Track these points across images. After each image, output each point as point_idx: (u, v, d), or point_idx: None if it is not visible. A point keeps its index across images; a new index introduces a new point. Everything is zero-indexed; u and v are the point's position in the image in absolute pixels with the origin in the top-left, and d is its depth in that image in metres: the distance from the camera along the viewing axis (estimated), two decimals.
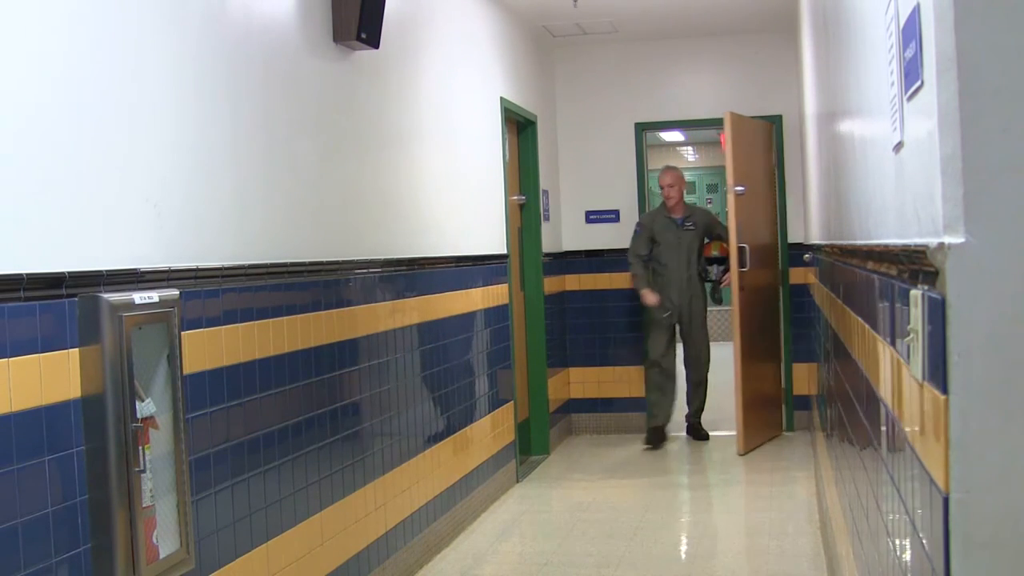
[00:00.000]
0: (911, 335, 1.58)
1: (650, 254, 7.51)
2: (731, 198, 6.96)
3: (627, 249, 7.57)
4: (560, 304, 7.99)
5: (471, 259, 5.77)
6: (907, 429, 1.73)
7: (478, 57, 6.30)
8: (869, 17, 2.30)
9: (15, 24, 2.41)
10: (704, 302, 7.53)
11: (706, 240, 7.54)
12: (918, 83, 1.53)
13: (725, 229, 7.36)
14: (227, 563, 3.19)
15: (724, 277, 7.36)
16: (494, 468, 6.05)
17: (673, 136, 14.08)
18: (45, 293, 2.44)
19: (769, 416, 7.61)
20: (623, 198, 8.12)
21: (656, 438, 7.53)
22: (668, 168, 7.57)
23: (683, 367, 7.63)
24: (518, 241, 7.27)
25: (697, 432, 7.72)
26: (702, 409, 7.70)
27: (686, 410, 7.76)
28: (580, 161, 8.17)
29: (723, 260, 7.33)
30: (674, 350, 7.57)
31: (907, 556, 1.79)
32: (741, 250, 7.07)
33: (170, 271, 2.92)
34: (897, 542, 1.94)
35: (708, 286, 7.58)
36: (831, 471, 4.37)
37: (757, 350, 7.34)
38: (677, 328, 7.57)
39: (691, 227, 7.47)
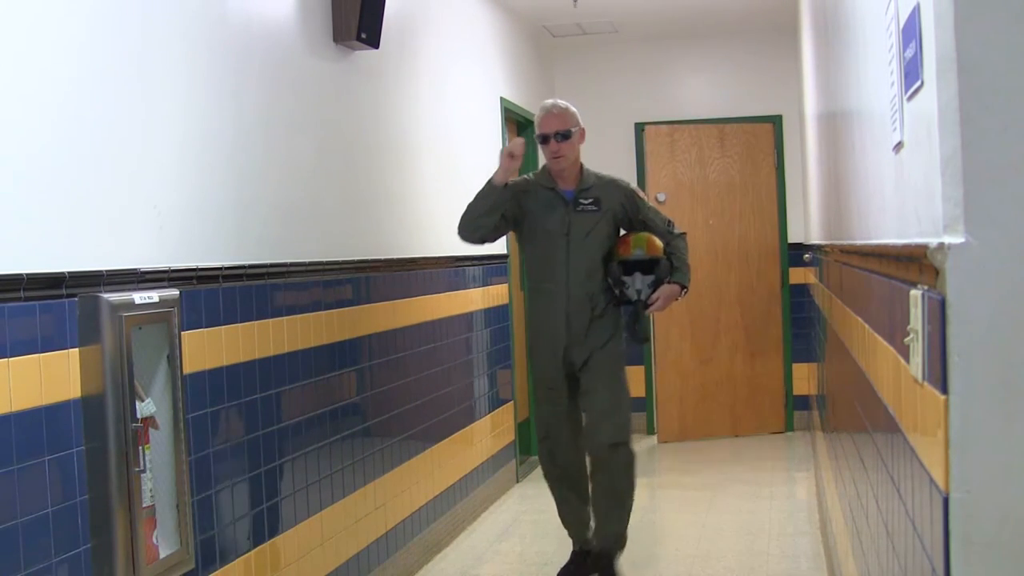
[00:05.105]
0: (911, 335, 1.58)
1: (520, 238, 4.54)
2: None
3: None
4: None
5: (471, 259, 5.76)
6: (907, 429, 1.73)
7: (478, 57, 6.30)
8: (869, 17, 2.30)
9: (28, 34, 2.41)
10: (614, 330, 4.38)
11: (622, 232, 4.49)
12: (918, 83, 1.53)
13: (653, 210, 4.51)
14: (227, 563, 3.19)
15: (653, 296, 4.34)
16: (494, 468, 6.05)
17: None
18: (45, 293, 2.44)
19: (746, 414, 7.71)
20: None
21: (575, 569, 4.49)
22: (553, 105, 4.42)
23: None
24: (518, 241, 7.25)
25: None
26: (621, 531, 4.42)
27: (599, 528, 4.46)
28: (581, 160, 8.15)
29: (652, 264, 4.34)
30: (578, 418, 4.50)
31: (907, 556, 1.79)
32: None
33: (170, 271, 2.92)
34: (897, 542, 1.94)
35: (625, 310, 4.46)
36: (831, 471, 4.37)
37: (707, 345, 7.69)
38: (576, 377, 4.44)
39: (591, 207, 4.37)
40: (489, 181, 4.26)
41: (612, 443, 4.30)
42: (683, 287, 4.42)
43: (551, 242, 4.36)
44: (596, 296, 4.35)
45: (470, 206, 4.30)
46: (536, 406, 4.58)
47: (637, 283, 4.32)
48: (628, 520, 4.43)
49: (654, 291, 4.35)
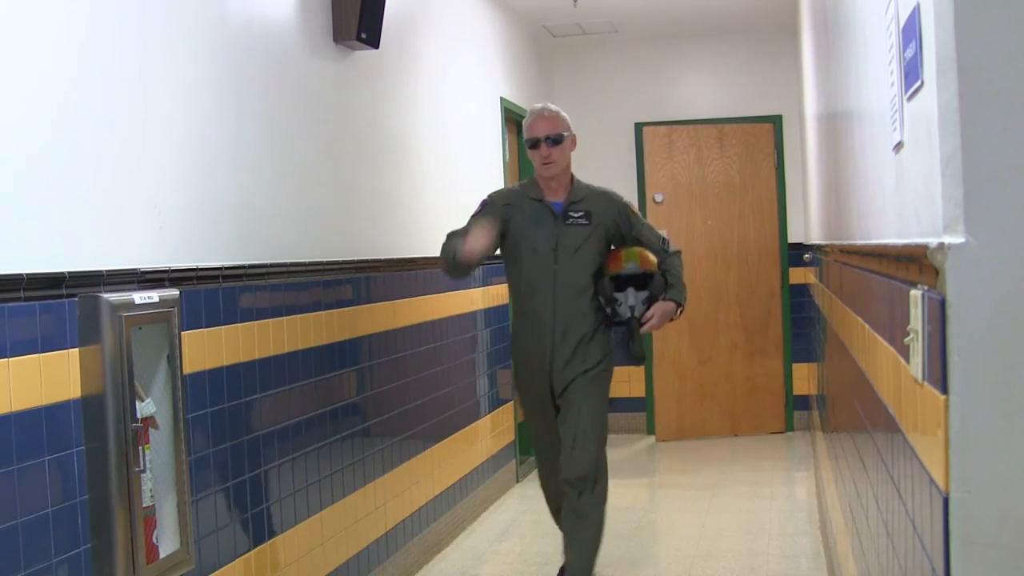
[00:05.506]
0: (911, 335, 1.58)
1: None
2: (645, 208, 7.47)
3: None
4: None
5: None
6: (907, 429, 1.73)
7: (478, 57, 6.30)
8: (869, 17, 2.30)
9: (28, 34, 2.41)
10: (601, 357, 4.12)
11: (612, 247, 4.21)
12: (918, 83, 1.53)
13: (648, 227, 4.27)
14: (227, 563, 3.19)
15: (648, 313, 4.10)
16: (494, 468, 6.05)
17: None
18: (45, 293, 2.44)
19: (741, 414, 7.69)
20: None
21: None
22: (544, 108, 4.18)
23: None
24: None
25: None
26: (588, 564, 4.07)
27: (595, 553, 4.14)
28: (579, 161, 7.99)
29: (645, 279, 4.09)
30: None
31: (907, 556, 1.79)
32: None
33: (170, 271, 2.92)
34: (897, 542, 1.94)
35: (617, 331, 4.24)
36: (831, 471, 4.37)
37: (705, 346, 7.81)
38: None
39: (581, 220, 4.12)
40: (455, 250, 3.93)
41: (583, 476, 4.02)
42: (679, 305, 4.15)
43: (538, 258, 4.08)
44: (586, 316, 4.08)
45: (442, 254, 4.03)
46: (528, 422, 4.39)
47: (630, 299, 4.06)
48: (594, 560, 4.10)
49: (648, 308, 4.08)
